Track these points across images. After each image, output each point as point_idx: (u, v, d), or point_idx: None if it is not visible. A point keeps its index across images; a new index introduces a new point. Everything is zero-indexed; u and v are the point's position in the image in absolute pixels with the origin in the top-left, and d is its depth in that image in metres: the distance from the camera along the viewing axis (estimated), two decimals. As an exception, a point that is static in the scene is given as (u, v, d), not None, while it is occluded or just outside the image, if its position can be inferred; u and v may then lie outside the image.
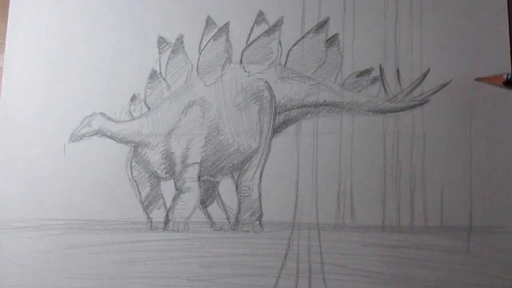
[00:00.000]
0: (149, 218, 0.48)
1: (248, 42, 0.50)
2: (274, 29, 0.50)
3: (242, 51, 0.50)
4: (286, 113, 0.49)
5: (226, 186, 0.48)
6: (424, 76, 0.49)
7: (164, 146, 0.49)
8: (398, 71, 0.49)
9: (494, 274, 0.45)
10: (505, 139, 0.47)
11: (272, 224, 0.47)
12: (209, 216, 0.48)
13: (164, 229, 0.47)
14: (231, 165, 0.48)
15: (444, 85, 0.48)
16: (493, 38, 0.49)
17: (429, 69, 0.49)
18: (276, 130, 0.49)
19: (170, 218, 0.48)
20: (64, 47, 0.51)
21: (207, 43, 0.50)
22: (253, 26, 0.50)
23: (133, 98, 0.50)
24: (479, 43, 0.49)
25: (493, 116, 0.47)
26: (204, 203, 0.48)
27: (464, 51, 0.49)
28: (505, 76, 0.46)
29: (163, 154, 0.49)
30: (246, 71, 0.50)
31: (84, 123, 0.49)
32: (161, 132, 0.49)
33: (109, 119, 0.50)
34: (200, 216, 0.48)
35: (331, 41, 0.50)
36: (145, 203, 0.48)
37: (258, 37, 0.50)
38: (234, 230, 0.47)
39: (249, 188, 0.48)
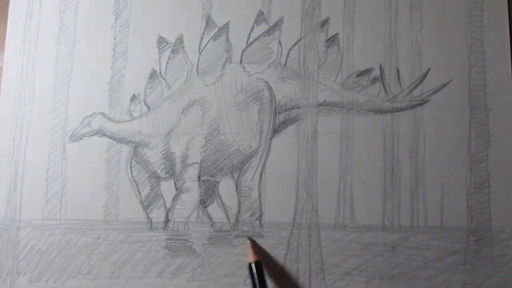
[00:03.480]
0: (149, 218, 0.48)
1: (248, 42, 0.50)
2: (274, 29, 0.50)
3: (242, 51, 0.50)
4: (286, 113, 0.49)
5: (226, 186, 0.48)
6: (424, 76, 0.49)
7: (164, 146, 0.49)
8: (398, 71, 0.49)
9: (494, 274, 0.45)
10: (505, 139, 0.47)
11: (272, 224, 0.47)
12: (209, 216, 0.48)
13: (164, 229, 0.47)
14: (231, 165, 0.48)
15: (444, 85, 0.48)
16: (493, 38, 0.49)
17: (429, 69, 0.49)
18: (276, 130, 0.49)
19: (170, 218, 0.48)
20: (64, 47, 0.51)
21: (207, 43, 0.50)
22: (253, 26, 0.50)
23: (133, 98, 0.50)
24: (479, 43, 0.49)
25: (493, 116, 0.47)
26: (204, 203, 0.48)
27: (464, 51, 0.49)
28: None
29: (163, 154, 0.49)
30: (246, 71, 0.50)
31: (84, 123, 0.49)
32: (161, 132, 0.49)
33: (109, 119, 0.50)
34: (200, 216, 0.48)
35: (331, 41, 0.50)
36: (145, 203, 0.48)
37: (258, 37, 0.50)
38: (234, 230, 0.47)
39: (249, 188, 0.48)
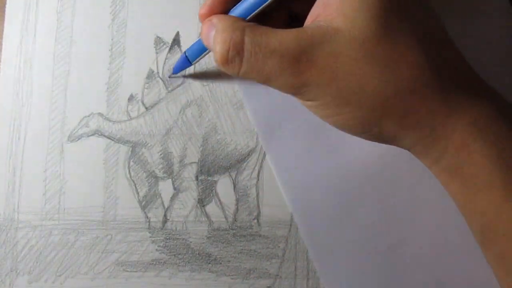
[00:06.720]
0: (147, 217, 0.48)
1: (245, 42, 0.50)
2: (270, 28, 0.50)
3: (239, 51, 0.50)
4: (283, 112, 0.49)
5: (224, 186, 0.48)
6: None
7: (161, 145, 0.49)
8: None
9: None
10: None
11: (270, 223, 0.47)
12: (207, 215, 0.48)
13: (162, 228, 0.48)
14: (228, 164, 0.49)
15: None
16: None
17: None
18: (273, 129, 0.49)
19: (168, 218, 0.48)
20: (61, 48, 0.51)
21: (204, 43, 0.50)
22: (250, 26, 0.50)
23: (131, 98, 0.50)
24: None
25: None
26: (202, 202, 0.48)
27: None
28: None
29: (160, 154, 0.49)
30: (243, 71, 0.50)
31: (82, 124, 0.50)
32: (158, 131, 0.49)
33: (107, 119, 0.50)
34: (198, 215, 0.48)
35: (328, 40, 0.50)
36: (143, 203, 0.48)
37: (255, 36, 0.50)
38: (232, 229, 0.47)
39: (247, 187, 0.48)
